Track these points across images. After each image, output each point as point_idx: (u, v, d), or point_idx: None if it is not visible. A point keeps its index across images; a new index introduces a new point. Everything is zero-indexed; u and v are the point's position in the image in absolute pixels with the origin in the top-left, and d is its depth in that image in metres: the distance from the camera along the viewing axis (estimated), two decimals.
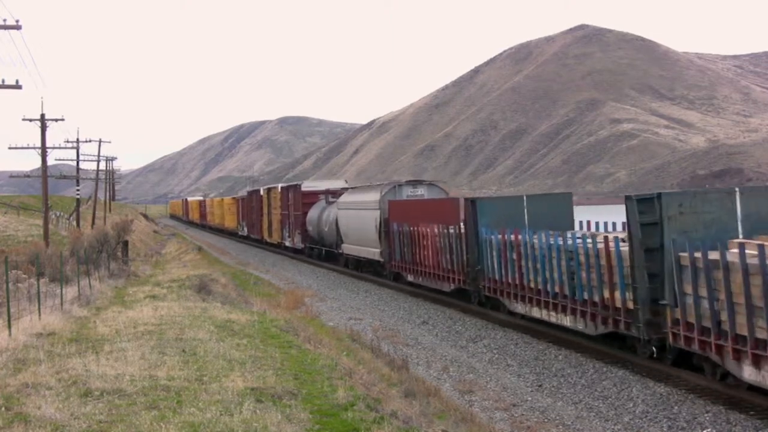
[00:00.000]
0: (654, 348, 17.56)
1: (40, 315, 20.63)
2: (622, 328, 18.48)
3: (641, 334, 17.68)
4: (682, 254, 16.23)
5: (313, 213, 51.50)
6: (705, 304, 15.58)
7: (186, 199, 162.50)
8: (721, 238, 15.88)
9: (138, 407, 11.28)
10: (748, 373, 14.61)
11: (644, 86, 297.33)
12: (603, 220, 25.10)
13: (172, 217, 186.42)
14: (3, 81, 37.75)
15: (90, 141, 73.30)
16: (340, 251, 44.99)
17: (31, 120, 47.72)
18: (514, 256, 23.43)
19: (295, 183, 59.96)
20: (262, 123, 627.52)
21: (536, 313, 22.54)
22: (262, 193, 69.38)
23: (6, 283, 20.04)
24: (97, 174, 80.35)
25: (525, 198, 26.62)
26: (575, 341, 21.18)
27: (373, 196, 38.73)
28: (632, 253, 17.67)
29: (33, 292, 22.95)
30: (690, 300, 16.02)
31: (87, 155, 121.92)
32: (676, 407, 15.38)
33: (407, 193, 37.82)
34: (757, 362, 14.31)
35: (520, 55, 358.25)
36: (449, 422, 13.39)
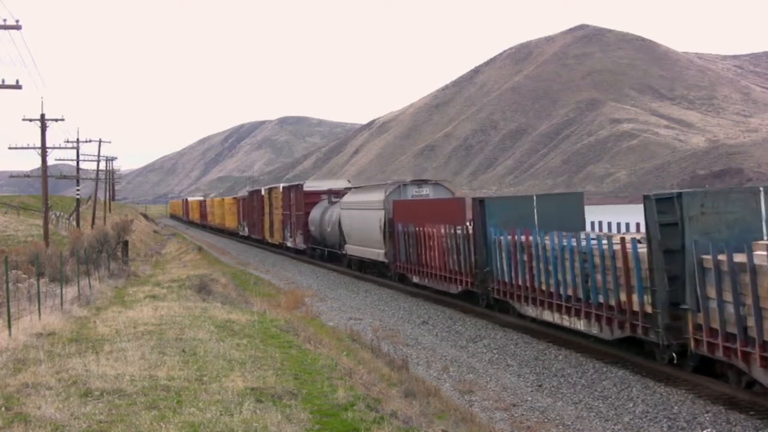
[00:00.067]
0: (674, 354, 16.94)
1: (40, 315, 20.63)
2: (639, 332, 17.87)
3: (660, 339, 17.05)
4: (704, 256, 15.61)
5: (315, 213, 50.96)
6: (730, 308, 14.92)
7: (186, 199, 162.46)
8: (745, 239, 15.32)
9: (138, 407, 11.28)
10: None
11: (644, 86, 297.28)
12: (607, 220, 24.77)
13: (172, 217, 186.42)
14: (3, 81, 37.76)
15: (90, 141, 73.44)
16: (343, 252, 44.42)
17: (31, 120, 47.74)
18: (525, 258, 22.84)
19: (297, 183, 59.45)
20: (262, 123, 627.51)
21: (548, 316, 21.96)
22: (263, 193, 68.92)
23: (6, 283, 20.04)
24: (97, 174, 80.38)
25: (535, 198, 26.06)
26: (575, 341, 21.18)
27: (378, 196, 38.13)
28: (651, 255, 17.00)
29: (33, 292, 22.95)
30: (713, 304, 15.33)
31: (87, 155, 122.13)
32: (676, 407, 15.37)
33: (412, 192, 37.22)
34: None
35: (520, 55, 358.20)
36: (449, 422, 13.38)
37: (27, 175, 69.38)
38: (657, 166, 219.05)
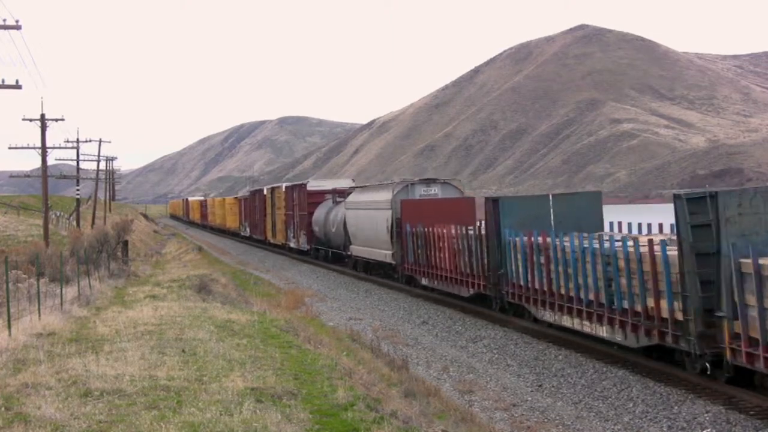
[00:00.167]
0: (707, 364, 15.92)
1: (40, 315, 20.62)
2: (669, 341, 16.87)
3: (692, 348, 16.00)
4: (743, 260, 14.63)
5: (319, 213, 50.14)
6: None
7: (187, 199, 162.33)
8: None
9: (138, 407, 11.28)
10: None
11: (644, 86, 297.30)
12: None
13: (172, 217, 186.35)
14: (3, 81, 37.77)
15: (90, 141, 73.36)
16: (349, 253, 43.57)
17: (31, 120, 47.74)
18: (542, 260, 21.84)
19: (300, 182, 58.66)
20: (262, 123, 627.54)
21: (567, 322, 20.95)
22: (265, 192, 68.20)
23: (6, 283, 20.04)
24: (97, 174, 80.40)
25: (551, 197, 25.14)
26: (574, 341, 21.16)
27: (385, 196, 37.16)
28: (682, 258, 15.97)
29: (33, 292, 22.95)
30: (753, 312, 14.35)
31: (87, 155, 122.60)
32: (676, 407, 15.37)
33: (420, 192, 36.14)
34: None
35: (520, 55, 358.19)
36: (449, 422, 13.39)
37: (27, 175, 69.37)
38: (657, 166, 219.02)
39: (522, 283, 23.37)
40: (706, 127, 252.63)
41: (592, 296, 19.59)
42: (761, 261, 14.17)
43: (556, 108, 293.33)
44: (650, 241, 17.39)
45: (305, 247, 53.65)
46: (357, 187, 48.55)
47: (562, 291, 20.98)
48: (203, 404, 11.36)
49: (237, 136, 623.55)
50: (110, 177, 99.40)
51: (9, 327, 17.94)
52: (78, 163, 69.67)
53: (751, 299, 14.43)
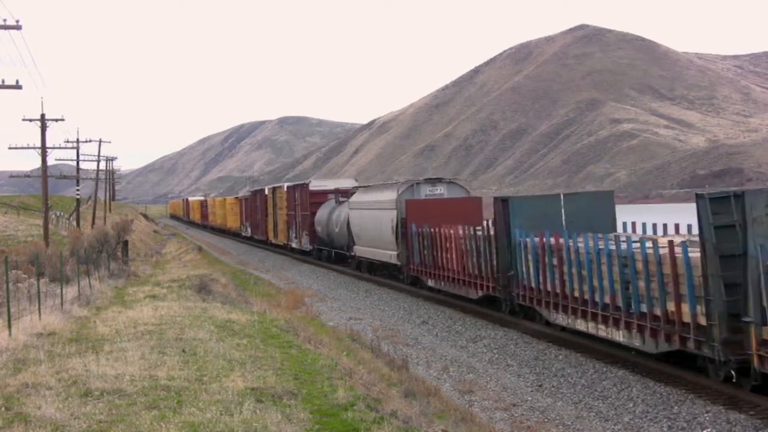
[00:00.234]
0: (732, 372, 15.32)
1: (40, 315, 20.63)
2: (690, 346, 16.21)
3: (716, 354, 15.38)
4: None
5: (322, 213, 49.66)
6: None
7: (187, 199, 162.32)
8: None
9: (138, 407, 11.29)
10: None
11: (644, 86, 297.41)
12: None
13: (173, 217, 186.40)
14: (3, 81, 37.80)
15: (90, 141, 73.47)
16: (352, 253, 43.08)
17: (31, 120, 47.78)
18: (555, 262, 21.23)
19: (302, 182, 58.22)
20: (262, 123, 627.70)
21: (581, 325, 20.32)
22: (266, 192, 67.77)
23: (6, 283, 20.04)
24: (97, 174, 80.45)
25: (562, 196, 24.49)
26: (574, 341, 21.16)
27: (389, 195, 36.48)
28: (705, 260, 15.38)
29: (33, 292, 22.96)
30: None
31: (87, 155, 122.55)
32: (676, 407, 15.38)
33: (426, 191, 35.49)
34: None
35: (520, 55, 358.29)
36: (449, 422, 13.39)
37: (27, 175, 69.40)
38: (657, 166, 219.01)
39: (533, 285, 22.80)
40: (706, 127, 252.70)
41: (608, 299, 18.97)
42: None
43: (556, 108, 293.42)
44: (670, 243, 16.75)
45: (307, 247, 53.18)
46: (360, 186, 47.94)
47: (576, 294, 20.39)
48: (203, 404, 11.36)
49: (237, 136, 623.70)
50: (110, 177, 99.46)
51: (9, 327, 17.95)
52: (78, 163, 69.74)
53: None
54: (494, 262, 25.15)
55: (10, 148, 55.15)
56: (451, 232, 28.84)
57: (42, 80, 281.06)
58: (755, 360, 14.58)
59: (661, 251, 16.94)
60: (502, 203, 24.53)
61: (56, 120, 48.77)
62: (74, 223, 69.37)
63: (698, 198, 15.75)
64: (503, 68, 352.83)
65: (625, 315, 18.30)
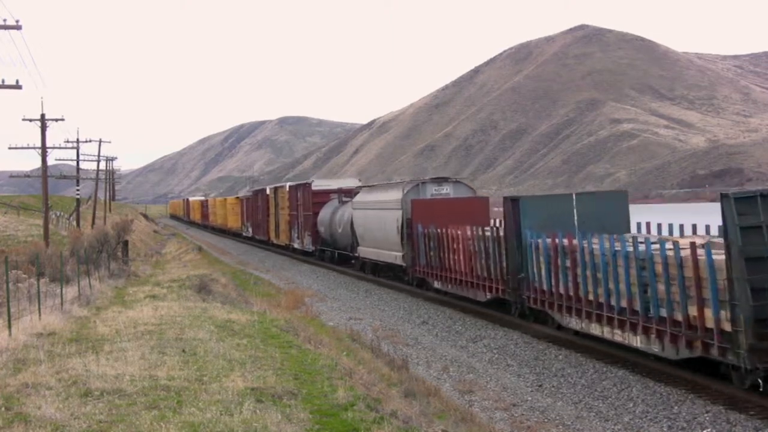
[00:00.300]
0: (760, 380, 14.80)
1: (40, 315, 20.63)
2: (714, 353, 15.52)
3: (742, 362, 14.73)
4: None
5: (324, 213, 49.05)
6: None
7: (187, 199, 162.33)
8: None
9: (138, 407, 11.29)
10: None
11: (644, 86, 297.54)
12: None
13: (173, 217, 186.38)
14: (3, 81, 37.82)
15: (90, 141, 73.50)
16: (356, 254, 42.50)
17: (31, 120, 47.79)
18: (568, 264, 20.54)
19: (304, 181, 57.75)
20: (262, 123, 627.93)
21: (595, 330, 19.70)
22: (268, 192, 67.28)
23: (6, 283, 20.04)
24: (97, 174, 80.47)
25: (574, 196, 23.82)
26: (574, 341, 21.15)
27: (395, 195, 35.64)
28: (730, 263, 14.71)
29: (33, 292, 22.96)
30: None
31: (87, 155, 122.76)
32: (676, 407, 15.38)
33: (431, 191, 34.67)
34: None
35: (520, 55, 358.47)
36: (449, 422, 13.39)
37: (27, 175, 69.43)
38: (657, 166, 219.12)
39: (545, 287, 22.09)
40: (706, 127, 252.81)
41: (624, 303, 18.25)
42: None
43: (556, 108, 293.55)
44: (692, 244, 16.03)
45: (310, 248, 52.72)
46: (364, 186, 47.27)
47: (590, 297, 19.71)
48: (203, 404, 11.36)
49: (237, 136, 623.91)
50: (110, 177, 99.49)
51: (9, 327, 17.95)
52: (78, 163, 69.76)
53: None
54: (504, 264, 24.50)
55: (10, 148, 55.19)
56: (459, 232, 28.21)
57: (42, 80, 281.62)
58: None
59: (682, 253, 16.26)
60: (512, 203, 23.83)
61: (56, 120, 48.79)
62: (74, 223, 69.38)
63: (723, 198, 15.06)
64: (503, 68, 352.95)
65: (644, 319, 17.61)
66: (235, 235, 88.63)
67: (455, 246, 28.54)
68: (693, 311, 15.96)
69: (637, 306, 17.73)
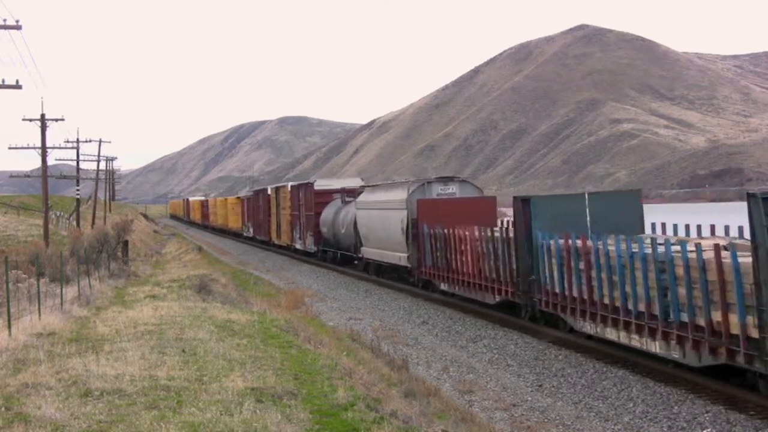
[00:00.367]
0: None
1: (40, 315, 20.62)
2: (740, 361, 14.80)
3: None
4: None
5: (327, 213, 48.58)
6: None
7: (187, 199, 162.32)
8: None
9: (138, 407, 11.29)
10: None
11: (644, 86, 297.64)
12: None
13: (173, 217, 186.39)
14: (3, 81, 37.84)
15: (90, 141, 73.57)
16: (359, 255, 41.75)
17: (31, 120, 47.81)
18: (581, 266, 19.97)
19: (306, 181, 57.34)
20: (262, 123, 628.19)
21: (611, 334, 19.00)
22: (269, 192, 66.88)
23: (6, 283, 20.05)
24: (97, 174, 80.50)
25: (587, 196, 23.18)
26: (573, 341, 21.15)
27: (400, 195, 34.89)
28: (757, 266, 13.95)
29: (33, 292, 22.96)
30: None
31: (87, 155, 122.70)
32: (676, 407, 15.38)
33: (437, 191, 33.94)
34: None
35: (520, 55, 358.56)
36: (449, 422, 13.38)
37: (27, 175, 69.45)
38: (657, 166, 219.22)
39: (557, 290, 21.40)
40: (706, 127, 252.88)
41: (642, 307, 17.55)
42: None
43: (556, 108, 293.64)
44: (716, 246, 15.42)
45: (312, 248, 52.25)
46: (368, 186, 46.61)
47: (606, 300, 18.98)
48: (203, 404, 11.36)
49: (237, 136, 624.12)
50: (110, 177, 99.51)
51: (9, 327, 17.95)
52: (78, 163, 69.79)
53: None
54: (514, 266, 23.85)
55: (10, 148, 55.23)
56: (466, 233, 27.57)
57: (42, 80, 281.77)
58: None
59: (705, 256, 15.55)
60: (523, 203, 23.12)
61: (56, 120, 48.81)
62: (74, 223, 69.39)
63: (750, 197, 14.29)
64: (503, 68, 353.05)
65: (663, 324, 16.86)
66: (235, 235, 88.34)
67: (463, 247, 27.96)
68: (717, 316, 15.28)
69: (656, 310, 17.06)
